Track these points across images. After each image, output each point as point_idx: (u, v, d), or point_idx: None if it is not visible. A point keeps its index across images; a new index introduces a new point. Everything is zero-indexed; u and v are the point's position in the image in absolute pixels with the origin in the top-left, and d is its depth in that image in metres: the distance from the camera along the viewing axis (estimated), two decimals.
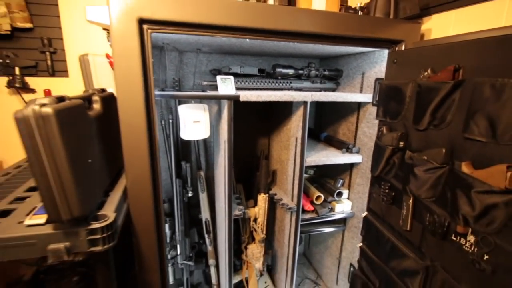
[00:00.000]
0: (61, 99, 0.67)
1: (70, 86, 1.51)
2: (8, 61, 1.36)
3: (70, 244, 0.69)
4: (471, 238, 0.76)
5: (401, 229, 1.02)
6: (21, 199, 0.85)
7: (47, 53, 1.43)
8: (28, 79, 1.44)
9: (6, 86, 1.38)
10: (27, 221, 0.69)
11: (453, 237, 0.82)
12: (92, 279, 1.21)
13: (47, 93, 1.42)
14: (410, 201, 0.96)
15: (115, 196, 0.89)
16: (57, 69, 1.48)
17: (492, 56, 0.71)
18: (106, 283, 0.79)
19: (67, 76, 1.50)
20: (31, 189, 0.92)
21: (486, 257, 0.72)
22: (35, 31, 1.39)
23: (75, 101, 0.72)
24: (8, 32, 1.32)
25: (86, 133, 0.77)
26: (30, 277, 1.01)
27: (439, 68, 0.86)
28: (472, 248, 0.76)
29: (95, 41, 1.47)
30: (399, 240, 1.04)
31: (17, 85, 1.39)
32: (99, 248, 0.72)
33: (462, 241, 0.79)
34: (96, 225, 0.71)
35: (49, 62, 1.44)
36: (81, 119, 0.75)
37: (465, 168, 0.74)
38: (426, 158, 0.88)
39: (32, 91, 1.45)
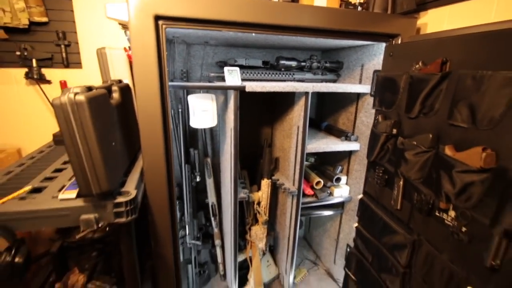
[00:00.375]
0: (89, 88, 0.76)
1: (84, 77, 1.59)
2: (26, 53, 1.44)
3: (98, 216, 0.79)
4: (452, 213, 0.86)
5: (392, 208, 1.12)
6: (49, 178, 0.95)
7: (62, 46, 1.51)
8: (44, 71, 1.52)
9: (24, 77, 1.47)
10: (61, 196, 0.79)
11: (437, 213, 0.91)
12: (108, 254, 1.33)
13: (63, 84, 1.51)
14: (401, 182, 1.05)
15: (134, 177, 0.98)
16: (71, 61, 1.56)
17: (475, 51, 0.78)
18: (128, 251, 0.89)
19: (80, 67, 1.59)
20: (57, 170, 1.02)
21: (464, 229, 0.82)
22: (50, 25, 1.47)
23: (100, 90, 0.81)
24: (26, 26, 1.40)
25: (110, 119, 0.86)
26: (56, 250, 1.12)
27: (429, 61, 0.94)
28: (453, 222, 0.85)
29: (108, 34, 1.54)
30: (390, 219, 1.13)
31: (35, 76, 1.48)
32: (123, 219, 0.82)
33: (444, 216, 0.88)
34: (120, 199, 0.81)
35: (64, 55, 1.52)
36: (106, 107, 0.84)
37: (448, 151, 0.83)
38: (415, 143, 0.96)
39: (48, 82, 1.54)
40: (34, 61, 1.46)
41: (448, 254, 0.89)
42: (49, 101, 1.51)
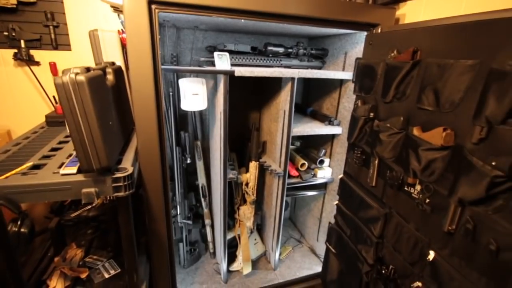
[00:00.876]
0: (88, 69, 0.80)
1: (73, 60, 1.60)
2: (14, 34, 1.43)
3: (99, 190, 0.85)
4: (418, 187, 0.97)
5: (368, 185, 1.23)
6: (47, 156, 1.00)
7: (51, 27, 1.50)
8: (33, 52, 1.52)
9: (13, 58, 1.46)
10: (62, 171, 0.85)
11: (405, 188, 1.03)
12: (103, 231, 1.39)
13: (53, 65, 1.51)
14: (376, 161, 1.16)
15: (129, 156, 1.04)
16: (60, 43, 1.56)
17: (440, 41, 0.88)
18: (126, 223, 0.96)
19: (69, 49, 1.59)
20: (54, 149, 1.06)
21: (427, 200, 0.93)
22: (38, 5, 1.46)
23: (97, 71, 0.85)
24: (14, 6, 1.38)
25: (106, 99, 0.91)
26: (54, 226, 1.18)
27: (403, 50, 1.02)
28: (418, 195, 0.97)
29: (97, 16, 1.55)
30: (366, 195, 1.25)
31: (23, 58, 1.48)
32: (121, 193, 0.89)
33: (412, 190, 1.00)
34: (119, 174, 0.87)
35: (52, 36, 1.52)
36: (103, 87, 0.89)
37: (416, 131, 0.93)
38: (389, 125, 1.06)
39: (37, 63, 1.54)
40: (22, 42, 1.45)
41: (414, 224, 1.01)
42: (39, 82, 1.52)
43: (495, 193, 0.70)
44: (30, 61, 1.50)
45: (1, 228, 0.52)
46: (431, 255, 0.91)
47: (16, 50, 1.47)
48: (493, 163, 0.69)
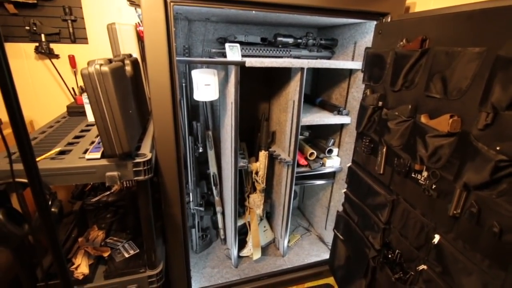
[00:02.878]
0: (110, 61, 0.85)
1: (91, 53, 1.66)
2: (35, 28, 1.50)
3: (121, 173, 0.92)
4: (425, 174, 1.00)
5: (376, 173, 1.26)
6: (71, 143, 1.07)
7: (69, 21, 1.56)
8: (52, 46, 1.59)
9: (34, 51, 1.53)
10: (87, 156, 0.91)
11: (413, 175, 1.05)
12: (122, 215, 1.47)
13: (72, 58, 1.58)
14: (384, 149, 1.19)
15: (147, 143, 1.10)
16: (77, 36, 1.62)
17: (449, 29, 0.89)
18: (146, 206, 1.03)
19: (86, 43, 1.65)
20: (77, 137, 1.13)
21: (434, 186, 0.96)
22: (57, 0, 1.52)
23: (118, 63, 0.91)
24: (35, 1, 1.45)
25: (127, 89, 0.97)
26: (78, 209, 1.26)
27: (412, 39, 1.04)
28: (425, 181, 1.00)
29: (112, 9, 1.60)
30: (374, 182, 1.28)
31: (44, 51, 1.55)
32: (141, 177, 0.95)
33: (419, 176, 1.03)
34: (139, 159, 0.93)
35: (70, 30, 1.58)
36: (123, 78, 0.94)
37: (423, 119, 0.96)
38: (397, 113, 1.09)
39: (57, 56, 1.61)
40: (43, 36, 1.52)
41: (420, 209, 1.04)
42: (59, 74, 1.59)
43: (499, 177, 0.73)
44: (51, 54, 1.57)
45: (45, 207, 0.59)
46: (436, 239, 0.95)
47: (37, 44, 1.54)
48: (498, 148, 0.72)
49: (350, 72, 1.66)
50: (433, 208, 0.98)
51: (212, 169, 1.88)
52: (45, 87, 1.65)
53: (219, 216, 1.96)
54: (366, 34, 1.50)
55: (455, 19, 0.87)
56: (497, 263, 0.76)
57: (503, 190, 0.73)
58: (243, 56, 1.44)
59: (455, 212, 0.88)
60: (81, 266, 1.09)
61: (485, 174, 0.75)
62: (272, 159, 1.83)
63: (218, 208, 1.92)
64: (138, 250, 1.22)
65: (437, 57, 0.91)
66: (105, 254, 1.17)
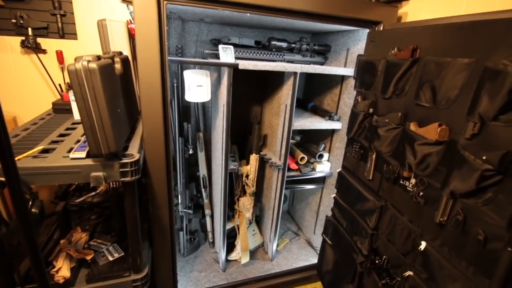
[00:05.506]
0: (99, 57, 0.83)
1: (80, 49, 1.62)
2: (21, 21, 1.45)
3: (107, 174, 0.89)
4: (413, 181, 1.01)
5: (365, 179, 1.27)
6: (56, 142, 1.03)
7: (58, 16, 1.52)
8: (39, 40, 1.54)
9: (20, 45, 1.49)
10: (72, 155, 0.88)
11: (401, 181, 1.06)
12: (107, 217, 1.43)
13: (60, 54, 1.53)
14: (374, 156, 1.20)
15: (135, 143, 1.07)
16: (66, 32, 1.58)
17: (439, 39, 0.91)
18: (132, 207, 1.00)
19: (76, 38, 1.61)
20: (62, 135, 1.10)
21: (421, 193, 0.97)
22: None
23: (107, 60, 0.88)
24: None
25: (115, 87, 0.94)
26: (61, 210, 1.21)
27: (404, 47, 1.05)
28: (413, 188, 1.01)
29: (103, 6, 1.57)
30: (363, 188, 1.29)
31: (30, 45, 1.50)
32: (128, 179, 0.92)
33: (407, 183, 1.04)
34: (126, 160, 0.91)
35: (59, 24, 1.54)
36: (112, 75, 0.92)
37: (412, 127, 0.97)
38: (387, 120, 1.10)
39: (44, 51, 1.56)
40: (29, 29, 1.47)
41: (408, 216, 1.05)
42: (46, 70, 1.55)
43: (484, 186, 0.74)
44: (37, 49, 1.53)
45: (23, 207, 0.56)
46: (423, 245, 0.96)
47: (23, 38, 1.49)
48: (484, 157, 0.73)
49: (342, 78, 1.67)
50: (420, 215, 0.99)
51: (202, 171, 1.86)
52: (31, 83, 1.60)
53: (208, 219, 1.94)
54: (358, 42, 1.52)
55: (445, 30, 0.88)
56: (481, 270, 0.77)
57: (488, 199, 0.74)
58: (236, 58, 1.43)
59: (441, 219, 0.89)
60: (62, 269, 1.05)
61: (471, 182, 0.76)
62: (263, 163, 1.83)
63: (207, 211, 1.89)
64: (123, 253, 1.19)
65: (427, 66, 0.93)
66: (88, 257, 1.13)
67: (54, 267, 1.07)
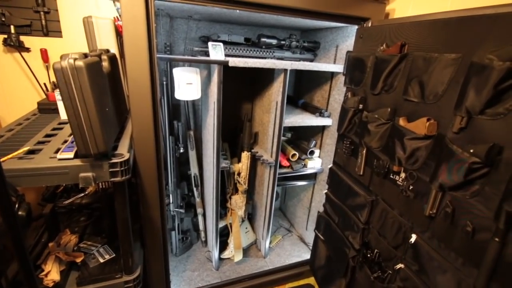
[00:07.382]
0: (86, 55, 0.81)
1: (65, 47, 1.57)
2: (3, 19, 1.40)
3: (96, 174, 0.87)
4: (403, 175, 1.03)
5: (356, 174, 1.28)
6: (42, 142, 1.00)
7: (41, 13, 1.47)
8: (23, 38, 1.49)
9: (3, 43, 1.43)
10: (59, 156, 0.86)
11: (391, 176, 1.08)
12: (96, 218, 1.41)
13: (44, 52, 1.49)
14: (364, 151, 1.21)
15: (124, 143, 1.05)
16: (50, 29, 1.54)
17: (426, 35, 0.92)
18: (122, 208, 0.98)
19: (60, 36, 1.56)
20: (48, 136, 1.07)
21: (411, 187, 0.99)
22: None
23: (94, 58, 0.86)
24: None
25: (103, 85, 0.92)
26: (49, 212, 1.18)
27: (392, 44, 1.07)
28: (403, 182, 1.02)
29: (88, 3, 1.53)
30: (354, 183, 1.30)
31: (13, 43, 1.45)
32: (118, 179, 0.90)
33: (397, 177, 1.05)
34: (116, 160, 0.89)
35: (43, 22, 1.49)
36: (99, 74, 0.90)
37: (402, 122, 0.98)
38: (377, 116, 1.11)
39: (27, 49, 1.51)
40: (12, 27, 1.42)
41: (398, 209, 1.07)
42: (30, 69, 1.50)
43: (472, 179, 0.76)
44: (20, 47, 1.48)
45: (10, 210, 0.54)
46: (413, 238, 0.98)
47: (5, 36, 1.44)
48: (471, 151, 0.75)
49: (332, 74, 1.68)
50: (410, 208, 1.01)
51: (193, 170, 1.85)
52: (14, 82, 1.55)
53: (200, 218, 1.92)
54: (347, 38, 1.53)
55: (432, 26, 0.90)
56: (470, 261, 0.79)
57: (476, 191, 0.76)
58: (226, 55, 1.42)
59: (431, 212, 0.91)
60: (52, 273, 1.03)
61: (459, 175, 0.78)
62: (254, 160, 1.83)
63: (199, 210, 1.88)
64: (114, 255, 1.17)
65: (415, 62, 0.94)
66: (78, 260, 1.11)
67: (43, 270, 1.04)
